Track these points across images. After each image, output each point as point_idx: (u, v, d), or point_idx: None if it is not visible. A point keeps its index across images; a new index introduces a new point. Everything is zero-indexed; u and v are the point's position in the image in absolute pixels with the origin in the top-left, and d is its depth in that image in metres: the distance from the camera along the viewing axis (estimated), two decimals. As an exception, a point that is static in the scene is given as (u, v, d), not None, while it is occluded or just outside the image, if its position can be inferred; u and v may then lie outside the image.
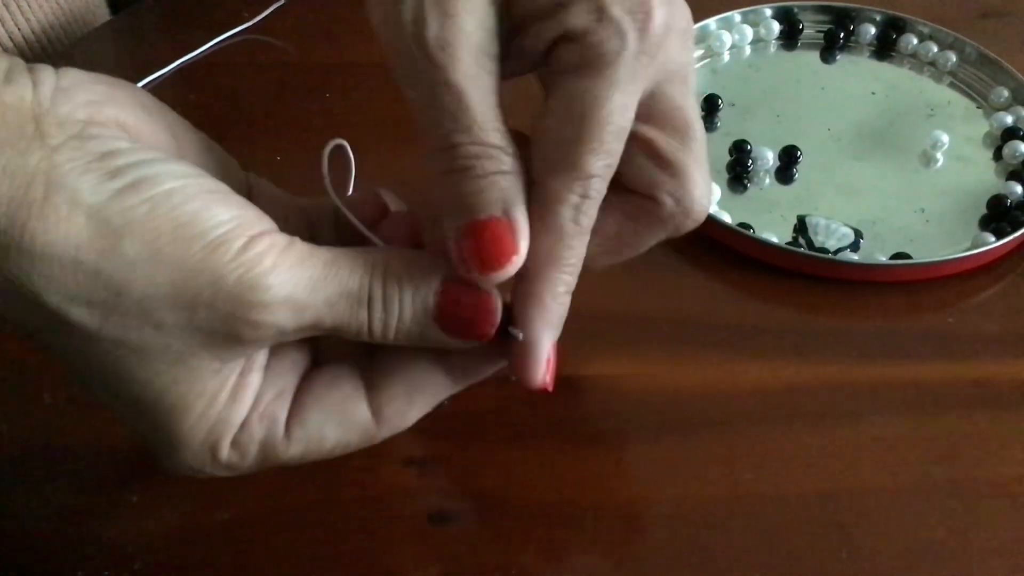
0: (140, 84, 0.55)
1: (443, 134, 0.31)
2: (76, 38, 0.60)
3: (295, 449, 0.33)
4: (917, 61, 0.59)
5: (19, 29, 0.56)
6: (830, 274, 0.47)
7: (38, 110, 0.28)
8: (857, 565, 0.37)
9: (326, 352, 0.34)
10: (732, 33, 0.59)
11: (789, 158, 0.53)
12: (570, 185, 0.31)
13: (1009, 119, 0.55)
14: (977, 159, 0.54)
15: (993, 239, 0.49)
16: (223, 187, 0.30)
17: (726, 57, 0.59)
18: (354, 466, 0.39)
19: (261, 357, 0.32)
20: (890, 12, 0.60)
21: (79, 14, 0.61)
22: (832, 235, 0.49)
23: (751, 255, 0.48)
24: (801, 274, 0.47)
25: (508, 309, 0.33)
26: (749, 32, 0.59)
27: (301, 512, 0.38)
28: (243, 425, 0.32)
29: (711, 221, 0.48)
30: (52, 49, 0.59)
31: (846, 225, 0.49)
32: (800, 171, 0.53)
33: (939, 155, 0.54)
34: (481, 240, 0.31)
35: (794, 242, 0.49)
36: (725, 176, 0.52)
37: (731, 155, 0.53)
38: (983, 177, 0.53)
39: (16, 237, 0.27)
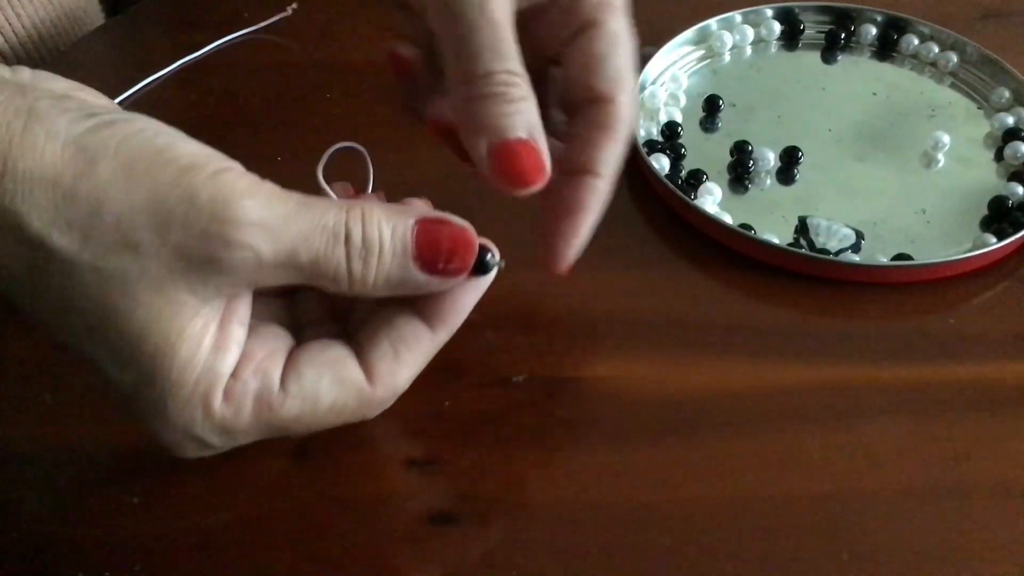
0: (140, 84, 0.55)
1: (481, 63, 0.35)
2: (69, 35, 0.60)
3: (291, 405, 0.33)
4: (918, 62, 0.59)
5: (10, 24, 0.56)
6: (831, 275, 0.47)
7: (18, 81, 0.31)
8: (857, 566, 0.37)
9: (308, 331, 0.35)
10: (733, 34, 0.59)
11: (790, 159, 0.52)
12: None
13: (1010, 120, 0.55)
14: (978, 160, 0.54)
15: (994, 240, 0.48)
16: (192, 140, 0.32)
17: (727, 58, 0.59)
18: (354, 466, 0.39)
19: (243, 310, 0.33)
20: (891, 12, 0.60)
21: (72, 11, 0.61)
22: (833, 236, 0.49)
23: (752, 256, 0.48)
24: (802, 275, 0.47)
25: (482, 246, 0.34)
26: (750, 33, 0.59)
27: (301, 513, 0.38)
28: (235, 375, 0.32)
29: (712, 222, 0.48)
30: (44, 47, 0.59)
31: (847, 226, 0.49)
32: (801, 172, 0.53)
33: (940, 156, 0.54)
34: (515, 158, 0.35)
35: (795, 243, 0.49)
36: (726, 177, 0.52)
37: (732, 156, 0.53)
38: (984, 178, 0.53)
39: (1, 165, 0.29)
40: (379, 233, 0.32)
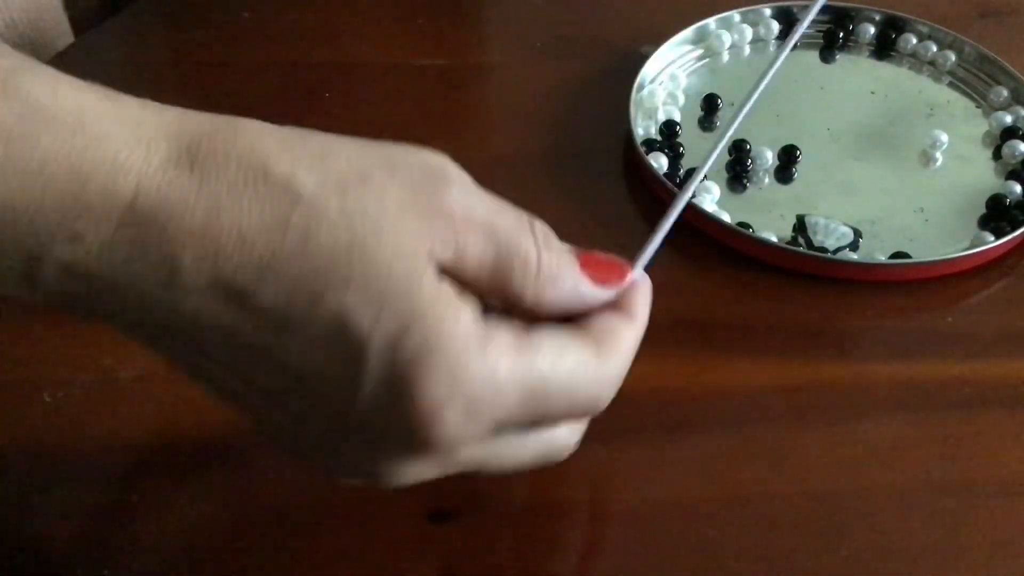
0: (140, 84, 0.55)
1: None
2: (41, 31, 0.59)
3: (543, 360, 0.32)
4: (916, 60, 0.59)
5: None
6: (829, 273, 0.47)
7: None
8: (857, 565, 0.37)
9: None
10: (731, 32, 0.59)
11: (788, 158, 0.53)
12: None
13: (1008, 118, 0.55)
14: (976, 158, 0.54)
15: (992, 238, 0.49)
16: None
17: (725, 57, 0.59)
18: (354, 466, 0.39)
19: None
20: (889, 11, 0.60)
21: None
22: (831, 234, 0.49)
23: (750, 254, 0.48)
24: (800, 273, 0.47)
25: None
26: (748, 32, 0.59)
27: (301, 512, 0.38)
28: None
29: (711, 220, 0.48)
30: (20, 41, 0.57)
31: (845, 224, 0.49)
32: (799, 171, 0.53)
33: (938, 154, 0.54)
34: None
35: (793, 241, 0.49)
36: (724, 176, 0.52)
37: (730, 155, 0.53)
38: (982, 176, 0.53)
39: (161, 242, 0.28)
40: (550, 234, 0.33)
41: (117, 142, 0.28)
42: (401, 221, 0.30)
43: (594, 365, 0.33)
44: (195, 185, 0.28)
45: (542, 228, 0.33)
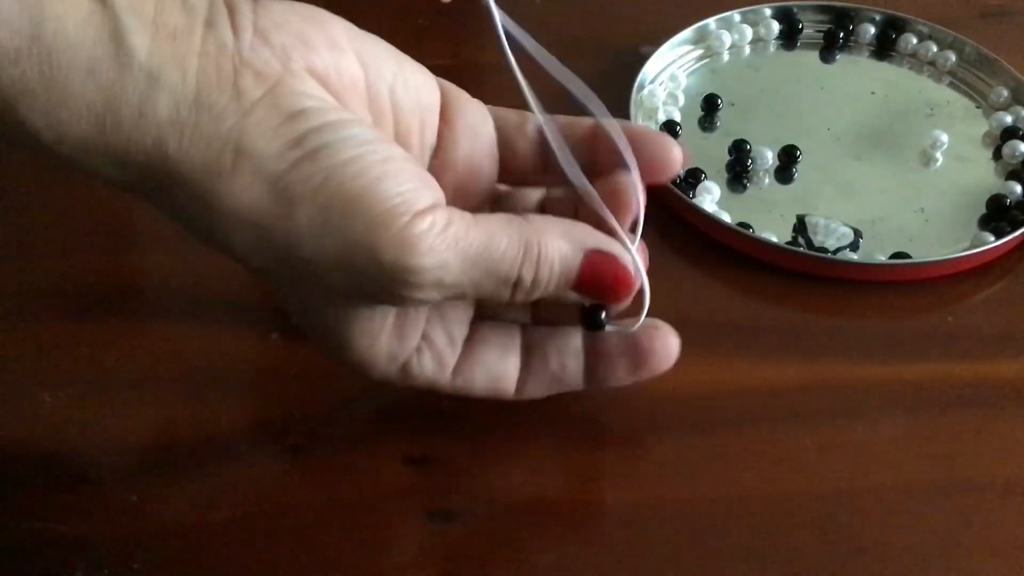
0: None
1: None
2: None
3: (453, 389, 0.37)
4: (916, 61, 0.59)
5: None
6: (829, 274, 0.47)
7: (237, 60, 0.31)
8: (857, 565, 0.37)
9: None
10: (732, 33, 0.59)
11: (788, 158, 0.53)
12: None
13: (1009, 119, 0.55)
14: (977, 159, 0.54)
15: (992, 239, 0.49)
16: (398, 154, 0.33)
17: (725, 57, 0.59)
18: (354, 464, 0.39)
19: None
20: (889, 12, 0.60)
21: None
22: (831, 235, 0.49)
23: (750, 255, 0.48)
24: (800, 274, 0.47)
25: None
26: (748, 32, 0.59)
27: (301, 512, 0.38)
28: (417, 351, 0.36)
29: (711, 220, 0.48)
30: None
31: (845, 225, 0.49)
32: (800, 171, 0.53)
33: (938, 155, 0.54)
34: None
35: (793, 242, 0.49)
36: (724, 176, 0.52)
37: (730, 155, 0.53)
38: (982, 177, 0.53)
39: (206, 198, 0.31)
40: (547, 278, 0.35)
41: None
42: (348, 318, 0.35)
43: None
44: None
45: (531, 273, 0.34)
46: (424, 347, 0.36)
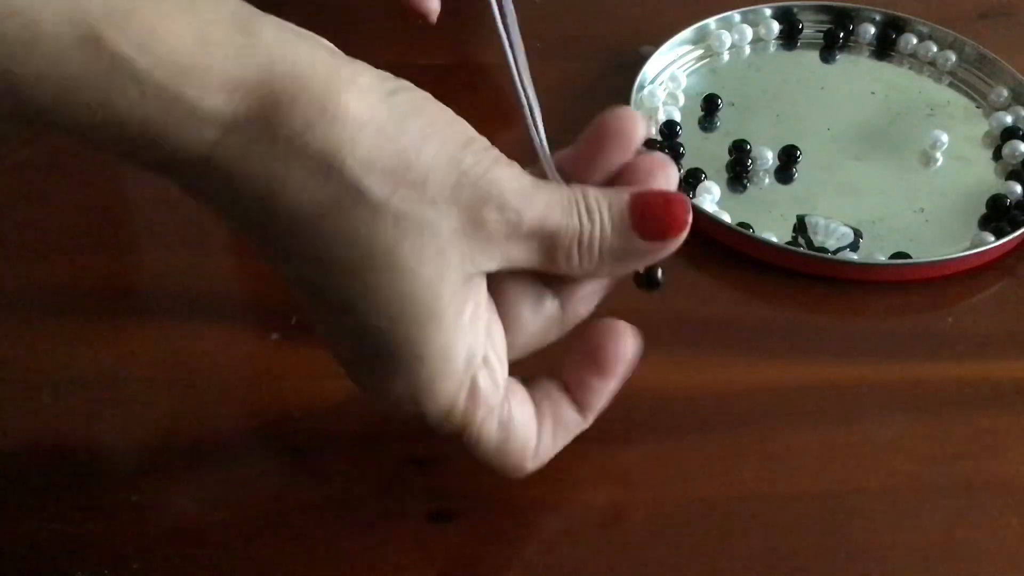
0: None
1: None
2: None
3: (490, 427, 0.35)
4: (917, 61, 0.59)
5: None
6: (830, 274, 0.47)
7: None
8: (856, 565, 0.37)
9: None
10: (732, 33, 0.59)
11: (789, 158, 0.53)
12: None
13: (1009, 119, 0.55)
14: (977, 159, 0.54)
15: (992, 239, 0.49)
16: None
17: (726, 57, 0.59)
18: (354, 465, 0.39)
19: (485, 292, 0.34)
20: (890, 12, 0.60)
21: None
22: (832, 235, 0.49)
23: (750, 255, 0.48)
24: (801, 274, 0.47)
25: None
26: (749, 32, 0.59)
27: (301, 512, 0.38)
28: (485, 356, 0.34)
29: (711, 221, 0.48)
30: None
31: (846, 225, 0.49)
32: (800, 171, 0.53)
33: (939, 155, 0.54)
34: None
35: (794, 242, 0.49)
36: (724, 176, 0.52)
37: (731, 155, 0.53)
38: (983, 177, 0.53)
39: (332, 106, 0.31)
40: (599, 204, 0.35)
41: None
42: (440, 256, 0.32)
43: (513, 462, 0.36)
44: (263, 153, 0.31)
45: (584, 202, 0.35)
46: (482, 363, 0.35)
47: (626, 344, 0.37)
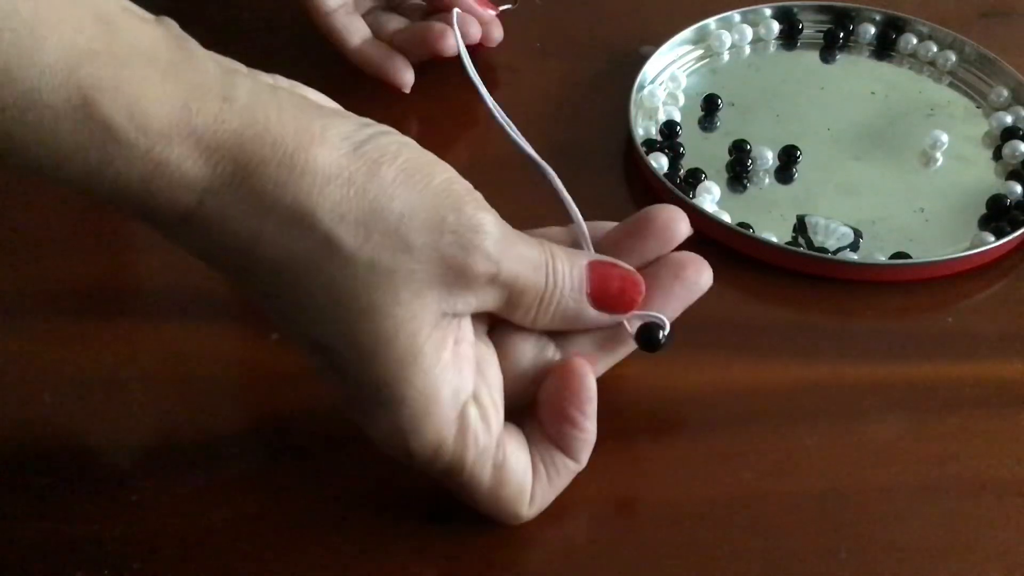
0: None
1: None
2: None
3: (484, 464, 0.36)
4: (917, 61, 0.59)
5: None
6: (830, 274, 0.47)
7: (291, 88, 0.37)
8: (856, 565, 0.37)
9: None
10: (732, 33, 0.59)
11: (789, 158, 0.53)
12: None
13: (1009, 119, 0.55)
14: (977, 159, 0.54)
15: (992, 239, 0.49)
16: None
17: (726, 57, 0.59)
18: (354, 464, 0.39)
19: (468, 333, 0.35)
20: (890, 12, 0.60)
21: None
22: (832, 235, 0.49)
23: (751, 255, 0.48)
24: (801, 274, 0.47)
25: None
26: (749, 32, 0.59)
27: (301, 511, 0.38)
28: (475, 395, 0.35)
29: (711, 221, 0.48)
30: None
31: (846, 225, 0.49)
32: (800, 171, 0.53)
33: (939, 155, 0.54)
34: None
35: (794, 242, 0.49)
36: (724, 176, 0.52)
37: (731, 155, 0.53)
38: (983, 177, 0.53)
39: (301, 162, 0.32)
40: (563, 268, 0.36)
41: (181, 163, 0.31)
42: (417, 298, 0.33)
43: (509, 510, 0.37)
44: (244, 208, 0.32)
45: (551, 259, 0.36)
46: (472, 401, 0.35)
47: (588, 382, 0.37)
